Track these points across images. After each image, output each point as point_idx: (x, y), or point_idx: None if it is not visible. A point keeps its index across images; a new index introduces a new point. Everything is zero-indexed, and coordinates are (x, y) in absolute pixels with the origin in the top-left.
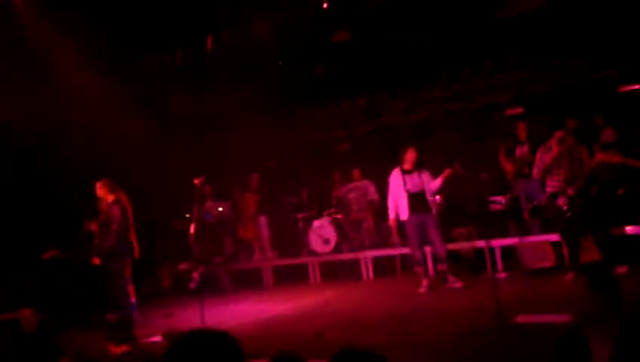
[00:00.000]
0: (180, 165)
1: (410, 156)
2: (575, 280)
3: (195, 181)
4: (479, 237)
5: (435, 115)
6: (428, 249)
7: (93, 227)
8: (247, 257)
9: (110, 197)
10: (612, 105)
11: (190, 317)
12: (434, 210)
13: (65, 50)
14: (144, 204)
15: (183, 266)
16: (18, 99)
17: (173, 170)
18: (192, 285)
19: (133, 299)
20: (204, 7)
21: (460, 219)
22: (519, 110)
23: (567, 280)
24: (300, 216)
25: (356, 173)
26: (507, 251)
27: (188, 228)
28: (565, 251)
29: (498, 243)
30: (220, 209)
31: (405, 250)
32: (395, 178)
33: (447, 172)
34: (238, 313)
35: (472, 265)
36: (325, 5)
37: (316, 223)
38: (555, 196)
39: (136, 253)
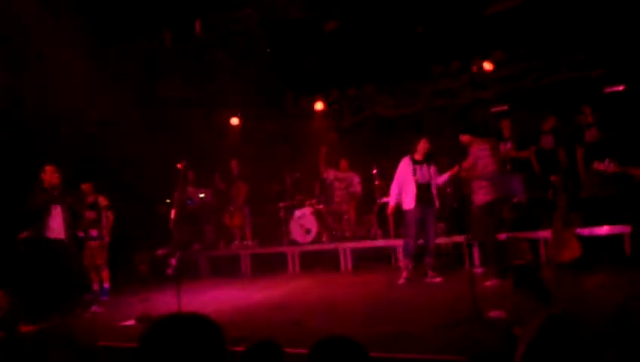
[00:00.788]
0: (163, 149)
1: (422, 146)
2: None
3: (178, 165)
4: (458, 233)
5: (422, 109)
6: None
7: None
8: (227, 244)
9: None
10: (597, 105)
11: (166, 302)
12: (437, 204)
13: (50, 33)
14: (126, 188)
15: (160, 251)
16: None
17: (155, 155)
18: (170, 271)
19: (107, 284)
20: None
21: (440, 213)
22: (504, 107)
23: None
24: (281, 205)
25: (343, 163)
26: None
27: (168, 213)
28: (542, 248)
29: (476, 238)
30: (202, 195)
31: (384, 243)
32: (406, 166)
33: (455, 168)
34: (215, 300)
35: (450, 259)
36: None
37: (298, 213)
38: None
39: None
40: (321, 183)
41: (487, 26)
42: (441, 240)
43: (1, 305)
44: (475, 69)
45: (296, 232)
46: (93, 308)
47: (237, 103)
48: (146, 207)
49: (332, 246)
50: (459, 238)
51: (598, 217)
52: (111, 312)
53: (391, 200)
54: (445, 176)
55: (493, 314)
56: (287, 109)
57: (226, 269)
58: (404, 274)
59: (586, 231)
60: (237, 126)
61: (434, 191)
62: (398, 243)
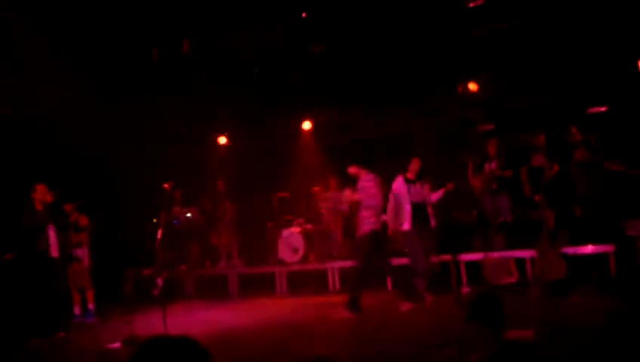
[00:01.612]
0: (150, 169)
1: (414, 166)
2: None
3: (165, 185)
4: (445, 252)
5: (409, 130)
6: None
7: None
8: (213, 264)
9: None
10: (581, 125)
11: (152, 323)
12: (432, 223)
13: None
14: (112, 208)
15: (146, 271)
16: None
17: (141, 174)
18: (155, 291)
19: (91, 305)
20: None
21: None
22: (490, 127)
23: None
24: (269, 224)
25: (333, 182)
26: (472, 266)
27: (155, 233)
28: (529, 267)
29: (464, 257)
30: (189, 215)
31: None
32: (400, 186)
33: (449, 186)
34: (201, 321)
35: (437, 278)
36: (304, 15)
37: (285, 232)
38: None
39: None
40: (308, 202)
41: (473, 47)
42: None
43: None
44: (459, 89)
45: (283, 252)
46: (62, 334)
47: (224, 122)
48: (132, 227)
49: (320, 266)
50: (446, 257)
51: (584, 236)
52: (97, 334)
53: (390, 218)
54: (439, 194)
55: None
56: (274, 128)
57: (213, 289)
58: (428, 297)
59: (571, 251)
60: (224, 145)
61: (429, 210)
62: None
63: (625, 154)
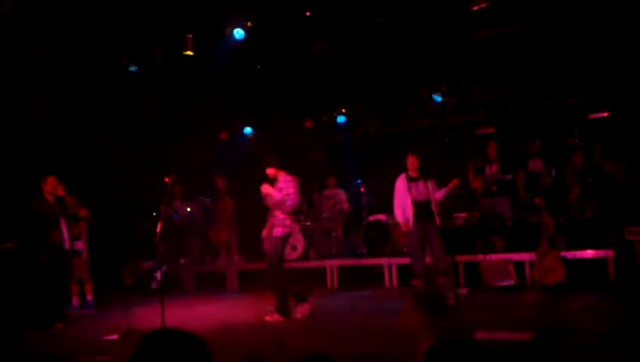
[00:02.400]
0: (150, 164)
1: (410, 162)
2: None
3: (166, 179)
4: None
5: (409, 130)
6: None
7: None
8: (213, 260)
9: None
10: (582, 130)
11: (150, 317)
12: (437, 220)
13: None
14: (112, 200)
15: (145, 265)
16: None
17: (142, 168)
18: (154, 285)
19: (90, 297)
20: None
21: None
22: (491, 129)
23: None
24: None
25: (331, 181)
26: (470, 267)
27: (154, 227)
28: (527, 270)
29: (461, 259)
30: (189, 209)
31: (370, 261)
32: (401, 183)
33: (454, 182)
34: (200, 316)
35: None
36: (308, 13)
37: None
38: None
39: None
40: (308, 200)
41: (474, 50)
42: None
43: None
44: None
45: None
46: (59, 325)
47: (225, 119)
48: (132, 221)
49: (319, 263)
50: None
51: (583, 240)
52: (95, 326)
53: (399, 217)
54: (443, 191)
55: (480, 335)
56: (275, 126)
57: (212, 284)
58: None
59: (570, 255)
60: (225, 141)
61: (433, 207)
62: (385, 261)
63: (625, 161)
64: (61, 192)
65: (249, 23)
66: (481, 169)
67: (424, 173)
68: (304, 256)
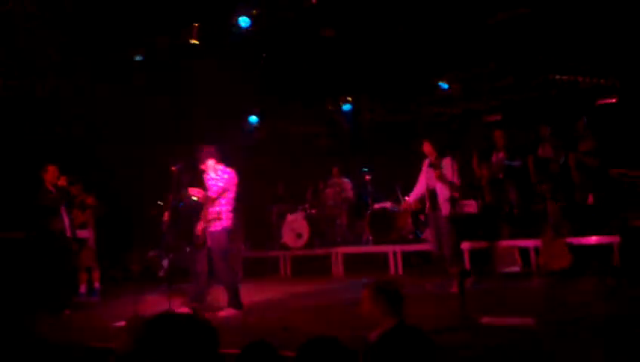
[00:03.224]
0: (156, 152)
1: (426, 149)
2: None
3: (173, 168)
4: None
5: (417, 118)
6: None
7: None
8: None
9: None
10: (590, 116)
11: (158, 304)
12: (443, 210)
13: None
14: (118, 189)
15: (152, 253)
16: None
17: (149, 156)
18: (161, 272)
19: (97, 284)
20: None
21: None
22: (498, 117)
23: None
24: (274, 209)
25: (335, 170)
26: (477, 254)
27: (160, 215)
28: (533, 256)
29: (467, 246)
30: (195, 198)
31: (376, 248)
32: (423, 169)
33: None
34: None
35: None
36: (314, 1)
37: (290, 217)
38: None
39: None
40: (314, 188)
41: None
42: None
43: None
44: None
45: (288, 236)
46: (67, 312)
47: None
48: (138, 209)
49: (324, 251)
50: None
51: (588, 226)
52: (102, 313)
53: (411, 196)
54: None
55: (485, 320)
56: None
57: None
58: (437, 279)
59: (575, 241)
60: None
61: (440, 197)
62: (390, 248)
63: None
64: (63, 183)
65: (254, 11)
66: (488, 156)
67: (440, 158)
68: (309, 244)
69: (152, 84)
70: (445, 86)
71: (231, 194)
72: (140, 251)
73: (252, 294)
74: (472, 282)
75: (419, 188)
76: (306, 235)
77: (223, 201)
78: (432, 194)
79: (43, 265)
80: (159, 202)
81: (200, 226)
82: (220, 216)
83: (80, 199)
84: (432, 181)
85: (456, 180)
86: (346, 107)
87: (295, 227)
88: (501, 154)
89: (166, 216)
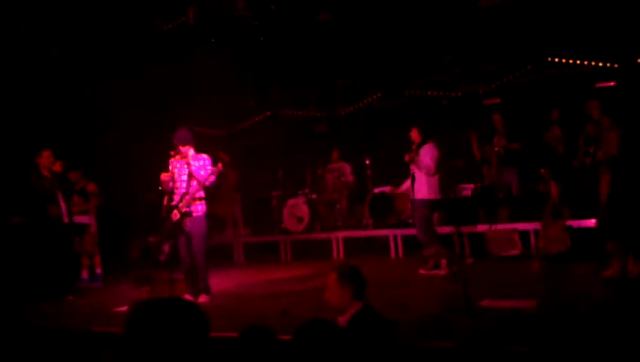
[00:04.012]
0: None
1: (412, 135)
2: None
3: (171, 152)
4: (449, 223)
5: (414, 101)
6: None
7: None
8: (219, 233)
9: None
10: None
11: (159, 289)
12: (417, 194)
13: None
14: (118, 175)
15: (152, 238)
16: None
17: (147, 141)
18: (162, 257)
19: (99, 270)
20: None
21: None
22: (496, 100)
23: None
24: (274, 194)
25: (335, 153)
26: (476, 238)
27: (160, 200)
28: (532, 239)
29: (467, 229)
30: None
31: (376, 233)
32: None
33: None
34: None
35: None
36: None
37: (290, 202)
38: None
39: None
40: (313, 173)
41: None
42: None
43: None
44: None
45: (288, 221)
46: (70, 297)
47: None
48: (137, 194)
49: (324, 235)
50: (450, 229)
51: (588, 209)
52: (104, 298)
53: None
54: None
55: (485, 303)
56: (276, 98)
57: (218, 257)
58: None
59: (575, 224)
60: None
61: (416, 181)
62: (391, 232)
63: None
64: (58, 168)
65: None
66: (488, 139)
67: (421, 144)
68: (310, 228)
69: (151, 69)
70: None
71: (212, 177)
72: (140, 236)
73: (252, 278)
74: (469, 264)
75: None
76: (306, 220)
77: (207, 183)
78: (412, 179)
79: (42, 250)
80: (159, 187)
81: (176, 214)
82: (202, 201)
83: (81, 186)
84: (414, 168)
85: (431, 166)
86: None
87: (295, 211)
88: (501, 138)
89: (165, 200)
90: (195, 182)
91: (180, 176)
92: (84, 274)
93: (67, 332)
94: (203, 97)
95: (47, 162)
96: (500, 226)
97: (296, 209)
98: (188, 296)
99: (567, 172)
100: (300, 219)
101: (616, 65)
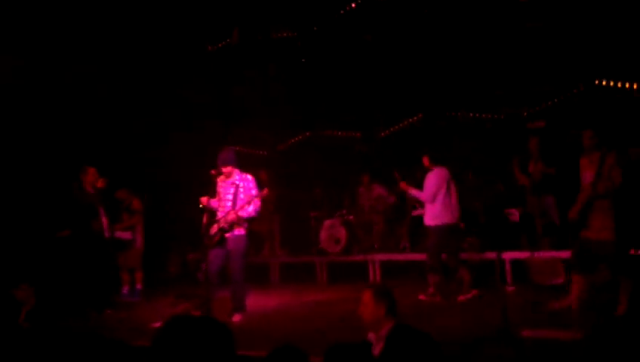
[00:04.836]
0: (195, 155)
1: (425, 162)
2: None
3: (212, 171)
4: (490, 249)
5: (455, 122)
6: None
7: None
8: (256, 252)
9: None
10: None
11: (196, 307)
12: (425, 221)
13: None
14: (158, 192)
15: (191, 255)
16: None
17: (188, 160)
18: (200, 275)
19: (139, 286)
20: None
21: (473, 228)
22: (541, 124)
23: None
24: (312, 214)
25: (365, 178)
26: (518, 265)
27: (200, 218)
28: None
29: (509, 256)
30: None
31: (415, 256)
32: None
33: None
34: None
35: (481, 275)
36: (354, 5)
37: (327, 222)
38: None
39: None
40: (351, 194)
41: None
42: (471, 256)
43: (27, 299)
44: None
45: (325, 242)
46: (109, 311)
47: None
48: (178, 212)
49: (361, 257)
50: (491, 255)
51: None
52: (142, 313)
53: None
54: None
55: (526, 333)
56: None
57: (255, 276)
58: (430, 289)
59: None
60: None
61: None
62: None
63: None
64: (101, 184)
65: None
66: (526, 165)
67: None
68: (347, 250)
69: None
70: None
71: (255, 208)
72: (179, 253)
73: (288, 298)
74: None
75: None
76: (343, 241)
77: (250, 208)
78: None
79: (84, 264)
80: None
81: (215, 228)
82: (245, 221)
83: (127, 203)
84: None
85: (422, 196)
86: None
87: (333, 233)
88: (539, 163)
89: (205, 218)
90: (240, 202)
91: (225, 195)
92: (125, 289)
93: (102, 342)
94: (246, 118)
95: (92, 178)
96: (543, 254)
97: (334, 230)
98: (195, 312)
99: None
100: (337, 241)
101: None
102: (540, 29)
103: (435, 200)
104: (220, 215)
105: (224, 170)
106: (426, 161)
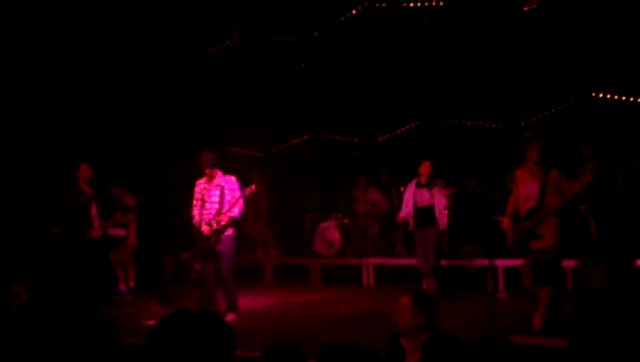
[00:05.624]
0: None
1: (423, 169)
2: None
3: (206, 170)
4: (483, 255)
5: (453, 129)
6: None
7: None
8: (250, 253)
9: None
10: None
11: (189, 305)
12: (441, 225)
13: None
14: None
15: (185, 255)
16: None
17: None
18: (194, 274)
19: (132, 283)
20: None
21: (469, 235)
22: (536, 134)
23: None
24: (307, 216)
25: (362, 180)
26: (512, 272)
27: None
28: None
29: (501, 262)
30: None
31: (409, 261)
32: (409, 188)
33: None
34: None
35: (475, 281)
36: (354, 12)
37: (322, 225)
38: None
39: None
40: (347, 197)
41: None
42: (466, 262)
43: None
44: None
45: (319, 244)
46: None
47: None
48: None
49: (355, 261)
50: (483, 261)
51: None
52: (135, 311)
53: (402, 213)
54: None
55: (516, 339)
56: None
57: (248, 277)
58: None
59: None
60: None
61: (436, 212)
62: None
63: None
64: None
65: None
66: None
67: (431, 179)
68: (340, 253)
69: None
70: None
71: (240, 208)
72: (174, 252)
73: (280, 299)
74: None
75: (408, 207)
76: (337, 244)
77: (235, 209)
78: (420, 211)
79: (77, 262)
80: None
81: (207, 229)
82: (232, 222)
83: (121, 200)
84: (425, 200)
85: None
86: None
87: (327, 235)
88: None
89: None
90: (227, 203)
91: (210, 198)
92: (122, 287)
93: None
94: (242, 119)
95: (86, 175)
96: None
97: (328, 233)
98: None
99: (605, 207)
100: (331, 244)
101: None
102: (538, 38)
103: None
104: (206, 217)
105: (208, 172)
106: (427, 168)
